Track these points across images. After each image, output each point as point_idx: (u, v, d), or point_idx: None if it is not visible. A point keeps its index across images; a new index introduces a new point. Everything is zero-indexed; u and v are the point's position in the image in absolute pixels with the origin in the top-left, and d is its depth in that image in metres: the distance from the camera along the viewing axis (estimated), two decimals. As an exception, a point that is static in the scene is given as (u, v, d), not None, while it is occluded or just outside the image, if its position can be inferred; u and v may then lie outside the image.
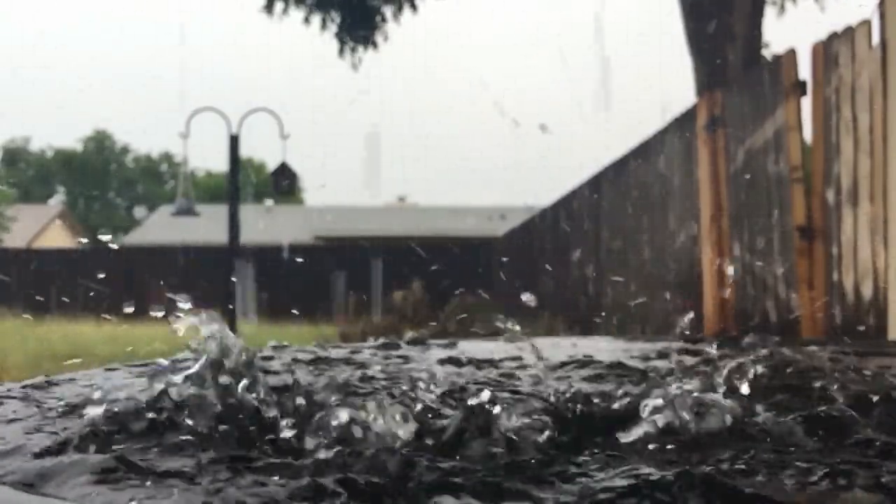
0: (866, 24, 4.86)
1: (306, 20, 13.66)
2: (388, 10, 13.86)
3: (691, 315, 7.30)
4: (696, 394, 0.93)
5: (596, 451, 0.83)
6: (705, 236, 7.01)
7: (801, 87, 5.56)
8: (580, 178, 12.02)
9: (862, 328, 4.76)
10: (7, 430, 0.91)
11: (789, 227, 5.63)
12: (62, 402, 1.04)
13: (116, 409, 0.90)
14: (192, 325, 0.98)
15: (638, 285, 9.23)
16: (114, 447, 0.83)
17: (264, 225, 25.10)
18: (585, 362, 1.41)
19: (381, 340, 1.69)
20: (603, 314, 10.59)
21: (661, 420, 0.89)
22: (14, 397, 1.10)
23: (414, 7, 13.88)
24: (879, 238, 4.67)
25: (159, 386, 0.95)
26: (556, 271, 13.34)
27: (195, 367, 0.97)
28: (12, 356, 9.77)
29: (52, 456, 0.80)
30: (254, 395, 0.95)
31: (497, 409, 0.85)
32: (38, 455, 0.81)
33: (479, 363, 1.45)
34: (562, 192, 13.37)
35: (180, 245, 21.38)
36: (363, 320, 14.02)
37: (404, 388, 1.07)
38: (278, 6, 13.61)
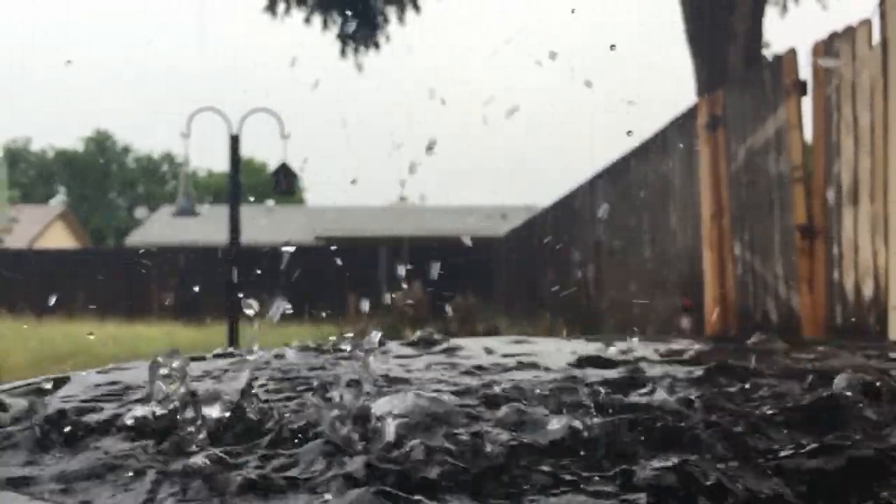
0: (867, 23, 4.85)
1: (307, 20, 13.64)
2: (391, 11, 13.82)
3: (690, 316, 7.32)
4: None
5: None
6: (706, 236, 7.01)
7: (801, 87, 5.56)
8: (580, 178, 12.02)
9: (862, 327, 4.76)
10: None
11: (790, 227, 5.63)
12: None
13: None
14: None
15: (638, 285, 9.23)
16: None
17: (265, 225, 25.10)
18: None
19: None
20: (603, 315, 10.58)
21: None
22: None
23: (417, 8, 13.86)
24: (880, 237, 4.67)
25: None
26: (557, 271, 13.34)
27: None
28: (14, 356, 9.78)
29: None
30: None
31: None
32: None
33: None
34: (562, 192, 13.37)
35: (180, 245, 21.38)
36: (364, 320, 13.99)
37: None
38: (280, 6, 13.60)
